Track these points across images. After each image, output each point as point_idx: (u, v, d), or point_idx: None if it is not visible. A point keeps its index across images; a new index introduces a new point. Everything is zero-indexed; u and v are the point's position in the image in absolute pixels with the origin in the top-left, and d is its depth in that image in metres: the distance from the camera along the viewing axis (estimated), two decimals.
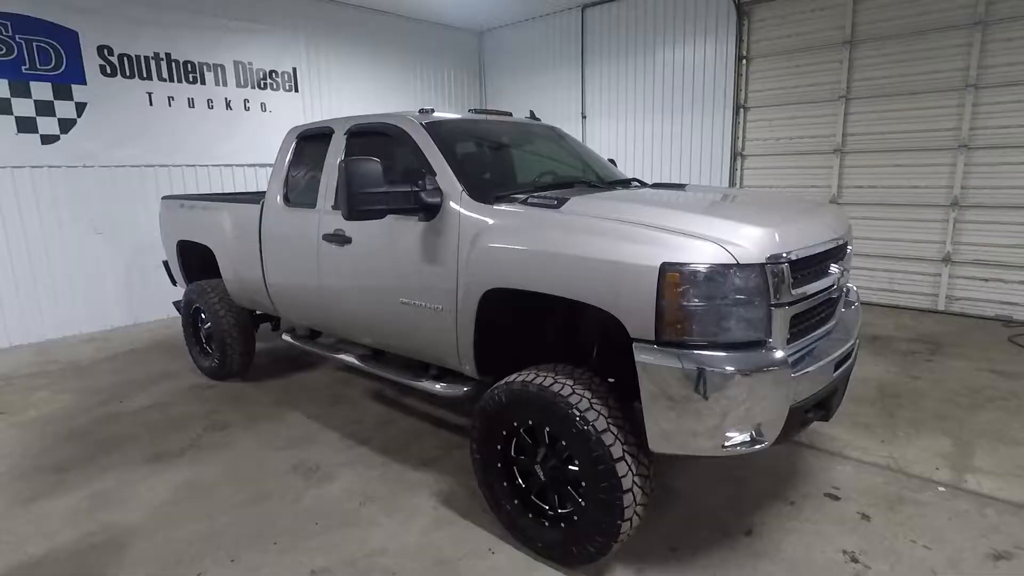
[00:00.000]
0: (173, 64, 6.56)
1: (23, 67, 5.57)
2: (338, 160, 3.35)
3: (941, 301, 6.27)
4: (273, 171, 3.97)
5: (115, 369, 5.13)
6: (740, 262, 2.05)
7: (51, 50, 5.72)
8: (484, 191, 2.82)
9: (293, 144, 3.90)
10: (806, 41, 6.70)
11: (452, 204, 2.81)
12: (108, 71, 6.09)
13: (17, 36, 5.51)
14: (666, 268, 2.06)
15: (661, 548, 2.62)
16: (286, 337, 4.16)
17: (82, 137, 5.98)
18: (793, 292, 2.15)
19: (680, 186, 3.40)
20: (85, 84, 5.95)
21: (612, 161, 4.41)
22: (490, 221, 2.65)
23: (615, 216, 2.35)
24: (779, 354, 2.09)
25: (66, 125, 5.88)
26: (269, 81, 7.42)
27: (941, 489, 3.02)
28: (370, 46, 8.46)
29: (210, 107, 6.91)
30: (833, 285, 2.44)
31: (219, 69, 6.94)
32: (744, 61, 7.19)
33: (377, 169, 2.71)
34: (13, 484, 3.27)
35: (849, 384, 3.59)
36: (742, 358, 2.05)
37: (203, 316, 4.67)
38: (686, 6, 7.55)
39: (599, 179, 3.49)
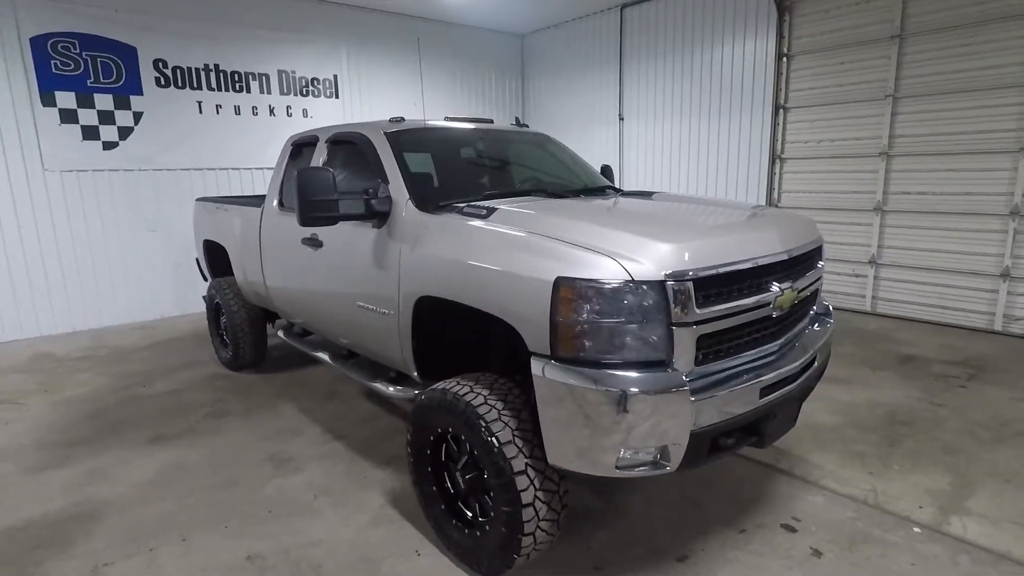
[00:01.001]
0: (221, 74, 7.07)
1: (88, 81, 6.21)
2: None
3: (998, 321, 5.66)
4: (272, 176, 4.21)
5: (151, 356, 5.62)
6: (636, 279, 1.99)
7: (113, 65, 6.33)
8: (428, 200, 2.87)
9: (288, 151, 4.11)
10: (851, 36, 6.24)
11: (399, 212, 2.88)
12: (162, 82, 6.66)
13: (84, 53, 6.15)
14: (560, 283, 2.03)
15: (586, 566, 2.57)
16: (280, 333, 4.40)
17: (138, 143, 6.58)
18: (699, 311, 2.05)
19: (647, 194, 3.30)
20: (141, 95, 6.54)
21: (608, 168, 4.33)
22: (426, 230, 2.70)
23: (529, 228, 2.33)
24: (672, 376, 2.00)
25: (124, 132, 6.49)
26: (311, 88, 7.82)
27: (916, 530, 2.76)
28: (410, 52, 8.71)
29: (255, 114, 7.39)
30: (770, 304, 2.29)
31: (264, 78, 7.40)
32: (785, 59, 6.80)
33: (328, 177, 2.83)
34: (31, 455, 3.68)
35: (858, 408, 3.33)
36: (632, 378, 1.98)
37: (221, 310, 5.01)
38: (725, 3, 7.23)
39: (566, 187, 3.45)
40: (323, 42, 7.82)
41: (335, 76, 8.01)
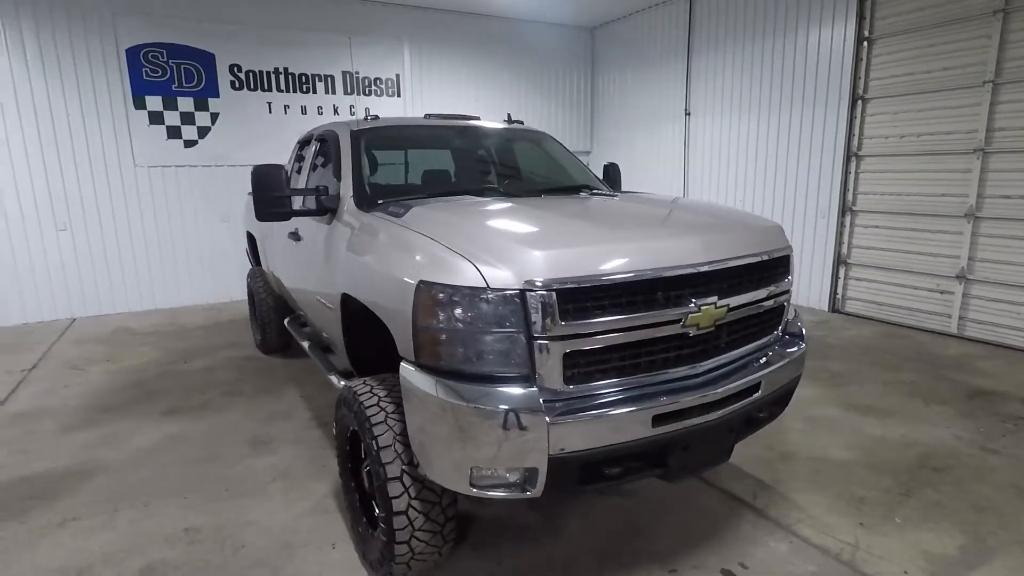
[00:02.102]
0: (290, 77, 7.58)
1: (173, 85, 6.94)
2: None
3: None
4: None
5: (205, 335, 6.18)
6: (492, 286, 1.85)
7: (194, 70, 7.02)
8: (366, 198, 2.88)
9: (295, 148, 4.32)
10: (945, 14, 5.37)
11: (342, 209, 2.92)
12: (237, 85, 7.28)
13: (170, 61, 6.88)
14: (420, 286, 1.94)
15: None
16: (285, 321, 4.64)
17: (214, 141, 7.25)
18: (565, 325, 1.86)
19: (610, 195, 3.07)
20: (218, 97, 7.20)
21: (614, 167, 4.08)
22: (354, 227, 2.71)
23: (423, 228, 2.24)
24: (525, 394, 1.84)
25: (203, 132, 7.18)
26: (373, 88, 8.16)
27: None
28: (474, 50, 8.79)
29: (319, 113, 7.84)
30: (679, 321, 2.03)
31: (329, 79, 7.83)
32: (866, 43, 6.00)
33: (281, 174, 2.93)
34: (69, 416, 4.19)
35: (885, 445, 2.97)
36: (477, 392, 1.85)
37: (255, 296, 5.40)
38: None
39: (528, 187, 3.29)
40: (385, 42, 8.12)
41: (397, 75, 8.29)
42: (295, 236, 3.63)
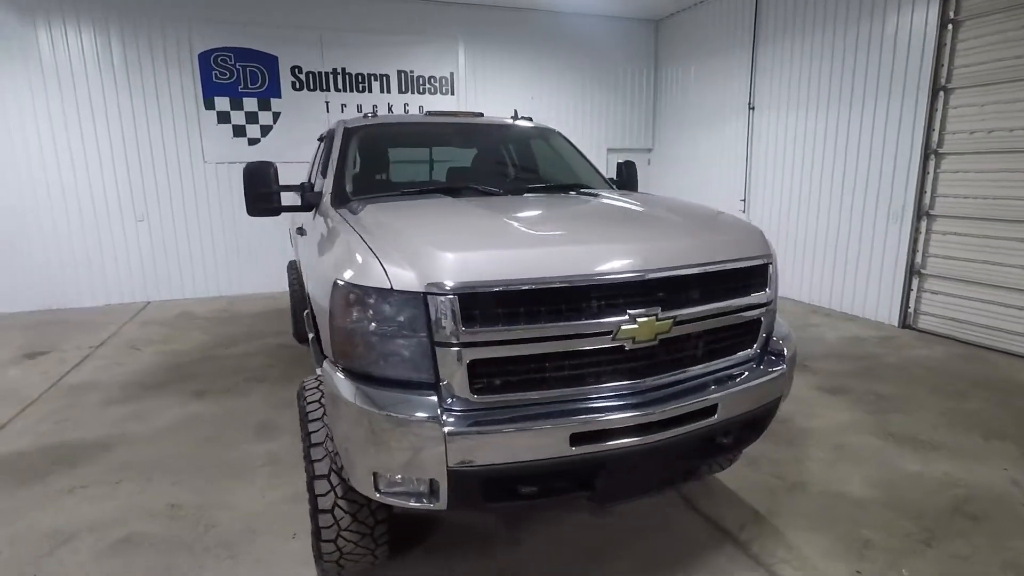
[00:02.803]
0: (347, 77, 7.87)
1: (239, 87, 7.41)
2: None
3: None
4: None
5: (253, 323, 6.56)
6: (395, 288, 1.78)
7: (259, 72, 7.45)
8: (342, 195, 2.89)
9: (318, 145, 4.45)
10: None
11: (322, 204, 2.96)
12: (297, 86, 7.65)
13: (237, 64, 7.35)
14: (336, 285, 1.91)
15: None
16: (305, 312, 4.79)
17: (276, 139, 7.67)
18: (468, 332, 1.75)
19: (598, 195, 2.89)
20: (280, 97, 7.60)
21: (629, 165, 3.85)
22: (323, 222, 2.73)
23: (360, 228, 2.20)
24: (417, 401, 1.76)
25: (265, 130, 7.61)
26: (427, 86, 8.29)
27: None
28: (530, 47, 8.70)
29: (374, 111, 8.06)
30: (611, 333, 1.86)
31: (384, 78, 8.05)
32: (950, 26, 5.31)
33: (269, 171, 3.02)
34: (113, 391, 4.57)
35: (919, 484, 2.71)
36: (380, 397, 1.79)
37: (291, 287, 5.65)
38: None
39: (519, 185, 3.17)
40: (440, 41, 8.22)
41: (451, 73, 8.37)
42: (301, 231, 3.74)
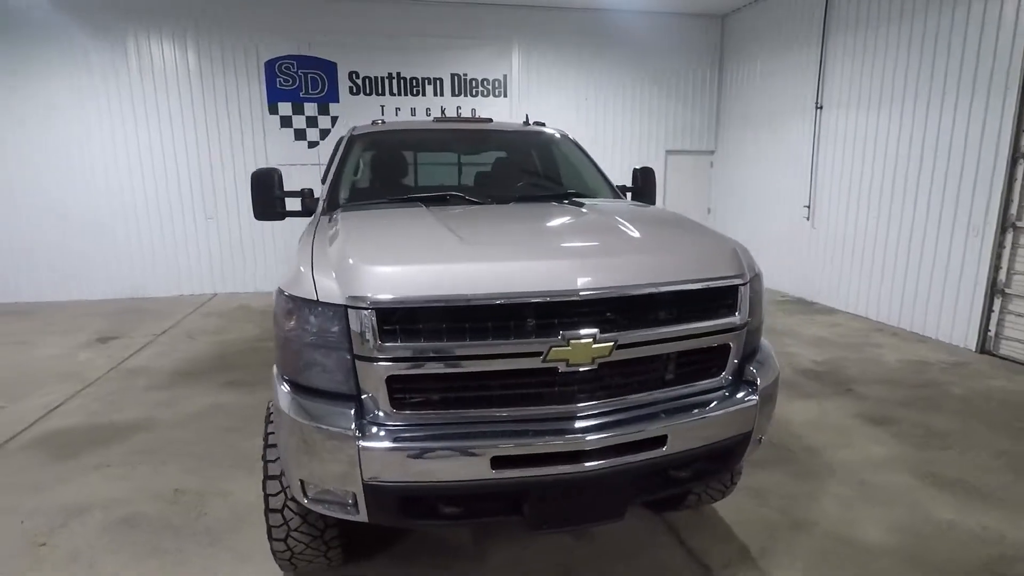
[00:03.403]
0: (402, 81, 8.08)
1: (300, 93, 7.80)
2: None
3: None
4: None
5: None
6: (319, 299, 1.79)
7: (319, 79, 7.81)
8: (333, 202, 2.95)
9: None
10: None
11: (316, 211, 3.03)
12: (354, 91, 7.95)
13: (299, 71, 7.74)
14: (278, 293, 1.95)
15: None
16: None
17: (333, 142, 7.99)
18: (387, 347, 1.73)
19: (577, 205, 2.77)
20: (338, 102, 7.93)
21: (646, 172, 3.66)
22: (311, 229, 2.80)
23: (318, 237, 2.23)
24: (336, 413, 1.75)
25: (323, 134, 7.97)
26: (480, 89, 8.35)
27: None
28: (586, 47, 8.54)
29: (427, 115, 8.24)
30: (541, 354, 1.77)
31: (438, 82, 8.19)
32: None
33: (274, 177, 3.14)
34: (160, 377, 4.95)
35: (952, 535, 2.57)
36: (303, 406, 1.80)
37: None
38: None
39: (509, 193, 3.08)
40: (494, 44, 8.25)
41: (504, 76, 8.38)
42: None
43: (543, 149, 3.64)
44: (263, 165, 7.70)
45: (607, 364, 1.85)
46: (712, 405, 2.00)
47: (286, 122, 7.86)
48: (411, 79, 8.11)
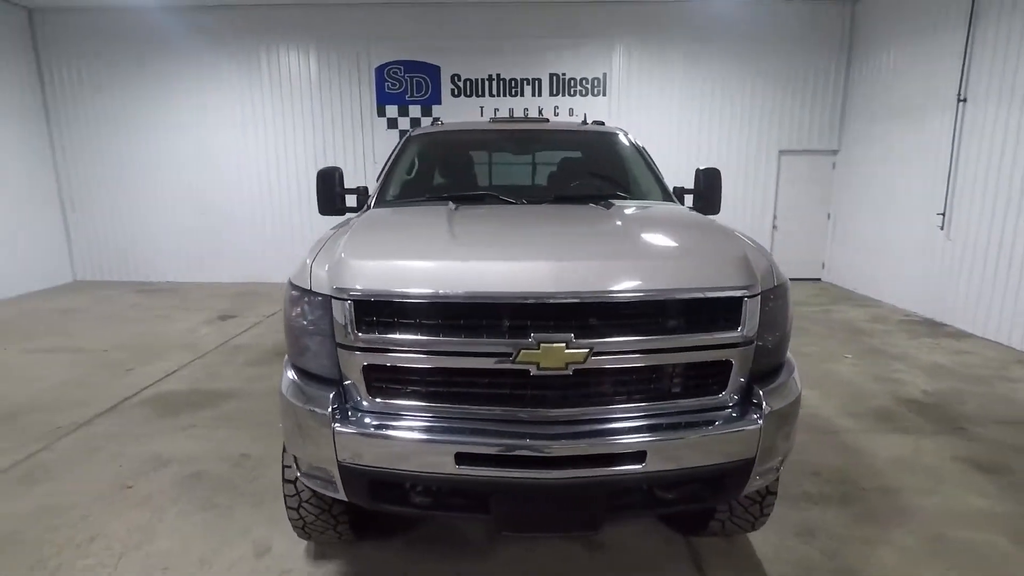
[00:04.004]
0: (500, 82, 8.25)
1: (406, 96, 8.26)
2: None
3: None
4: None
5: None
6: (311, 289, 1.92)
7: (423, 82, 8.22)
8: (380, 199, 3.12)
9: None
10: None
11: (365, 207, 3.22)
12: (455, 93, 8.25)
13: (405, 75, 8.20)
14: (287, 283, 2.11)
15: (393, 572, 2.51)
16: None
17: None
18: (362, 338, 1.80)
19: (611, 207, 2.66)
20: (440, 104, 8.28)
21: (709, 173, 3.42)
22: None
23: (339, 231, 2.37)
24: (318, 396, 1.86)
25: None
26: (579, 88, 8.28)
27: None
28: (693, 40, 8.14)
29: (525, 115, 8.33)
30: (510, 355, 1.74)
31: (536, 82, 8.25)
32: None
33: (335, 175, 3.38)
34: (258, 354, 5.50)
35: None
36: (294, 385, 1.94)
37: None
38: None
39: (546, 193, 3.04)
40: (594, 42, 8.14)
41: (604, 74, 8.24)
42: None
43: (596, 149, 3.55)
44: (371, 163, 8.29)
45: (583, 372, 1.78)
46: (705, 425, 1.84)
47: (392, 124, 8.37)
48: (510, 80, 8.25)
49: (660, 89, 8.28)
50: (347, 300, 1.81)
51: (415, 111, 8.33)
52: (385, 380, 1.86)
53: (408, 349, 1.80)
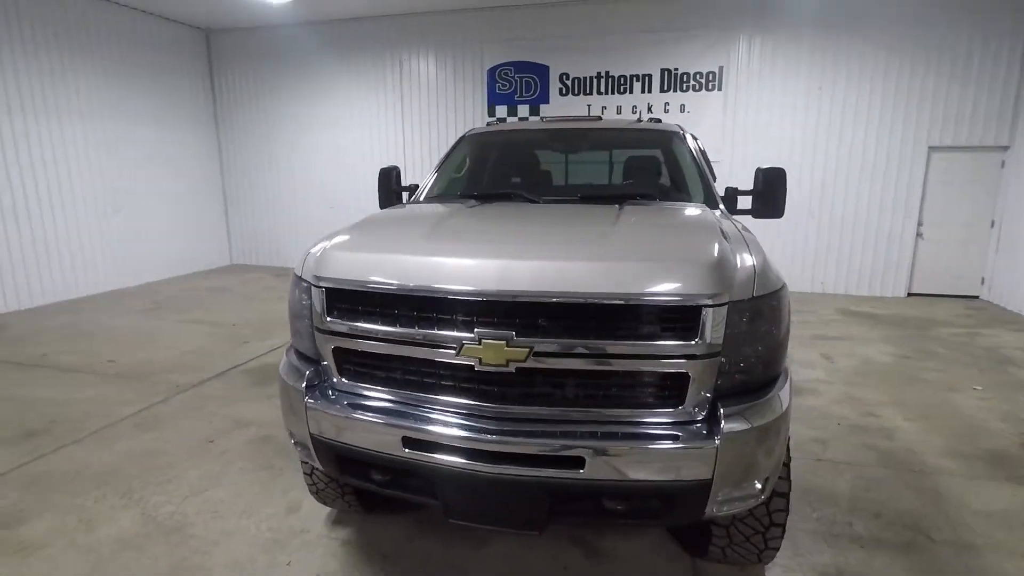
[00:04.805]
0: (609, 80, 8.11)
1: (515, 96, 8.45)
2: None
3: None
4: None
5: None
6: (300, 276, 2.13)
7: (532, 82, 8.35)
8: (420, 196, 3.29)
9: None
10: None
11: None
12: (563, 92, 8.28)
13: (515, 75, 8.39)
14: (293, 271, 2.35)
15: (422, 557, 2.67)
16: None
17: None
18: (329, 322, 1.97)
19: (634, 207, 2.56)
20: (548, 103, 8.36)
21: (773, 173, 3.13)
22: None
23: (364, 218, 2.57)
24: (298, 371, 2.05)
25: None
26: (692, 83, 7.87)
27: None
28: (819, 26, 7.33)
29: (633, 112, 8.12)
30: (454, 349, 1.80)
31: (646, 78, 7.99)
32: None
33: (392, 174, 3.63)
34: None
35: None
36: (288, 362, 2.17)
37: None
38: None
39: (573, 193, 2.98)
40: (709, 35, 7.67)
41: (720, 68, 7.74)
42: None
43: (645, 147, 3.40)
44: None
45: (526, 371, 1.78)
46: (649, 439, 1.74)
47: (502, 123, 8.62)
48: (619, 77, 8.08)
49: (784, 80, 7.57)
50: (322, 287, 1.99)
51: (523, 111, 8.50)
52: (352, 363, 2.02)
53: (368, 336, 1.94)
